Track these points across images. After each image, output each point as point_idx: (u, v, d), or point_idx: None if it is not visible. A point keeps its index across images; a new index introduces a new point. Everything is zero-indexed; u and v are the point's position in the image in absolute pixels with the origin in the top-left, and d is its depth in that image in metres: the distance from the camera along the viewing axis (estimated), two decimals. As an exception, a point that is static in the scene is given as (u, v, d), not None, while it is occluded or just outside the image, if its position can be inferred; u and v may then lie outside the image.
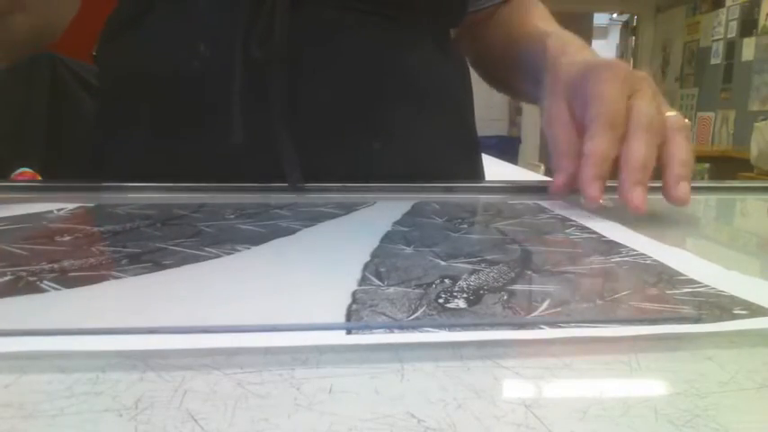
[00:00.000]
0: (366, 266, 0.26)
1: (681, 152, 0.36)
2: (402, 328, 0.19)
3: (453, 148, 0.59)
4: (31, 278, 0.24)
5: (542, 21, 0.57)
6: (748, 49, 4.13)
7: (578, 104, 0.40)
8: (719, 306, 0.21)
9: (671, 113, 0.38)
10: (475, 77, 0.67)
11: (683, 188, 0.35)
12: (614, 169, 0.37)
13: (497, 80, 0.66)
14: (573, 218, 0.38)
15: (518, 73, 0.58)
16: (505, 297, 0.22)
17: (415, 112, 0.55)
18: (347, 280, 0.24)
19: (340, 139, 0.52)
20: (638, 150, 0.35)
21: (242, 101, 0.48)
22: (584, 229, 0.34)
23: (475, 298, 0.22)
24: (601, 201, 0.36)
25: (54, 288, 0.23)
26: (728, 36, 4.34)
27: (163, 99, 0.52)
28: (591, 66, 0.40)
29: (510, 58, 0.58)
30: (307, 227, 0.35)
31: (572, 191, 0.40)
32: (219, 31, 0.50)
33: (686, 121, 0.39)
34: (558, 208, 0.41)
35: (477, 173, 0.65)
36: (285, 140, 0.47)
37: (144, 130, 0.53)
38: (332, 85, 0.51)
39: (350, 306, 0.21)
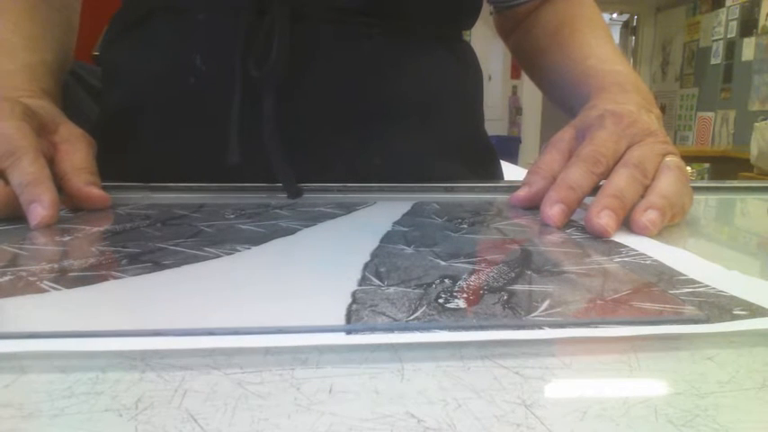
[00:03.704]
0: (366, 266, 0.26)
1: (662, 185, 0.36)
2: (402, 328, 0.19)
3: (462, 158, 0.58)
4: (31, 278, 0.24)
5: (593, 38, 0.55)
6: (748, 49, 4.13)
7: (579, 144, 0.41)
8: (719, 306, 0.21)
9: (671, 158, 0.38)
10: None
11: (649, 215, 0.34)
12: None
13: (536, 79, 0.65)
14: (573, 218, 0.38)
15: (557, 93, 0.58)
16: (505, 297, 0.22)
17: (419, 124, 0.54)
18: (347, 280, 0.24)
19: (341, 155, 0.51)
20: (614, 180, 0.36)
21: (240, 119, 0.47)
22: (584, 229, 0.34)
23: (475, 298, 0.22)
24: (558, 224, 0.36)
25: (54, 288, 0.23)
26: (728, 36, 4.35)
27: (161, 112, 0.51)
28: (605, 112, 0.41)
29: (554, 79, 0.57)
30: (307, 227, 0.35)
31: (531, 207, 0.41)
32: (217, 47, 0.49)
33: (684, 165, 0.39)
34: None
35: (493, 179, 0.63)
36: (277, 158, 0.46)
37: (143, 141, 0.52)
38: (331, 101, 0.50)
39: (350, 306, 0.21)
